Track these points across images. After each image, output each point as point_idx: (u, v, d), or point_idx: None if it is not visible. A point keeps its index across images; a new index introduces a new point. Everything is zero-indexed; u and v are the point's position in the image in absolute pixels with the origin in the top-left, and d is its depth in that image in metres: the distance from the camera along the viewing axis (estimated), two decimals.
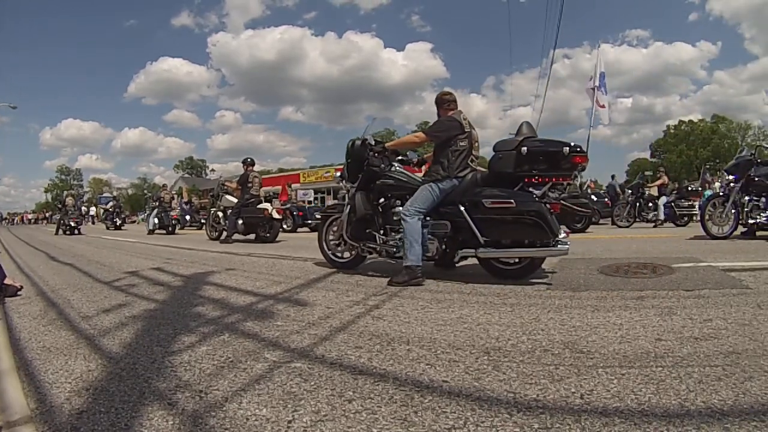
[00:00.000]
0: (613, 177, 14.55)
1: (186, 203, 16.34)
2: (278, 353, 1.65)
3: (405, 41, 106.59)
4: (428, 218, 3.17)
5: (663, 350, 1.53)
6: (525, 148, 2.83)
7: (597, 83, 12.51)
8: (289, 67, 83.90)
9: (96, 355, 1.70)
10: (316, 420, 1.12)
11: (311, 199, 14.43)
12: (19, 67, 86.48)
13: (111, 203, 17.04)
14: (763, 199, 5.24)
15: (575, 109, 73.87)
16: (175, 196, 15.67)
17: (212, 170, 65.54)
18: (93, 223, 25.95)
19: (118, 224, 15.38)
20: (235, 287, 3.10)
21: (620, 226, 9.37)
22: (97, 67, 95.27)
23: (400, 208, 3.30)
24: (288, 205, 11.58)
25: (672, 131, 48.74)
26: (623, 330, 1.78)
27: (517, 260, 3.06)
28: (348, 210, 3.57)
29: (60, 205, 15.42)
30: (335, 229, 3.86)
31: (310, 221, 11.11)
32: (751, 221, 5.25)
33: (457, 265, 3.34)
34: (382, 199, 3.55)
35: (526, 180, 2.90)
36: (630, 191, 10.03)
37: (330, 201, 21.20)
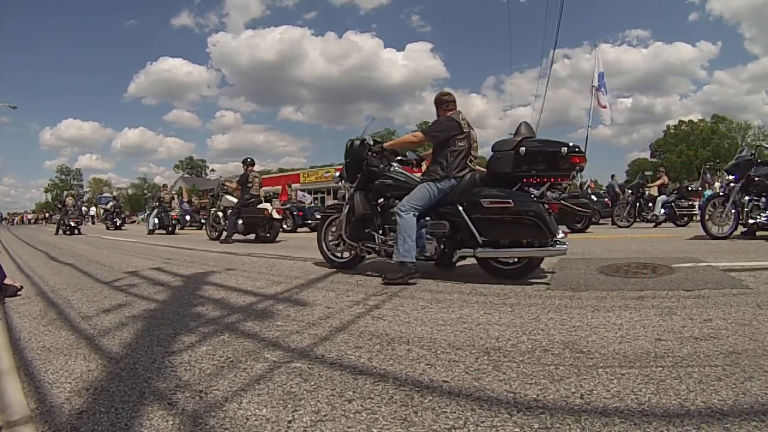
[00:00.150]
0: (613, 177, 14.59)
1: (186, 203, 16.33)
2: (278, 353, 1.65)
3: (405, 41, 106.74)
4: (427, 218, 3.17)
5: (663, 350, 1.53)
6: (523, 149, 2.83)
7: (596, 83, 12.50)
8: (289, 67, 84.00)
9: (96, 355, 1.70)
10: (316, 420, 1.12)
11: (309, 200, 14.42)
12: (19, 67, 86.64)
13: (111, 203, 17.06)
14: (763, 199, 5.24)
15: (575, 109, 73.93)
16: (175, 196, 15.68)
17: (212, 170, 65.65)
18: (93, 223, 25.95)
19: (118, 224, 15.39)
20: (235, 287, 3.10)
21: (620, 226, 9.38)
22: (97, 67, 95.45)
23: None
24: (288, 205, 11.59)
25: (672, 131, 48.74)
26: (623, 330, 1.78)
27: (515, 260, 3.06)
28: (347, 210, 3.57)
29: (60, 205, 15.43)
30: (334, 229, 3.86)
31: (310, 221, 11.12)
32: (751, 221, 5.25)
33: (456, 265, 3.34)
34: (381, 199, 3.55)
35: (524, 180, 2.90)
36: (630, 191, 10.04)
37: (330, 201, 21.21)
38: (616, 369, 1.38)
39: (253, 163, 8.19)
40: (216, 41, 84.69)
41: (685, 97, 68.82)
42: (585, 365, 1.43)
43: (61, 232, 13.53)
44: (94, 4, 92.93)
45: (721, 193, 5.88)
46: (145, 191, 50.24)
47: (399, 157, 3.74)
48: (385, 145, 3.54)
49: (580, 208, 7.43)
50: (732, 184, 5.54)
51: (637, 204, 9.55)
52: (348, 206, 3.57)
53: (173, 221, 12.01)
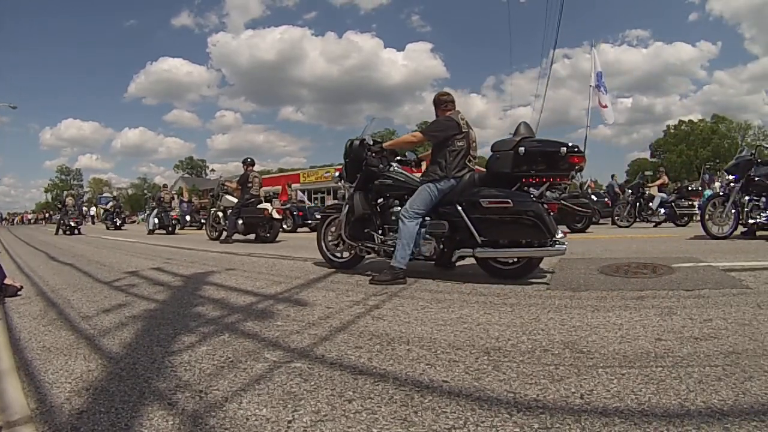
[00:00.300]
0: (613, 177, 14.60)
1: (186, 203, 16.33)
2: (278, 353, 1.65)
3: (405, 41, 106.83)
4: (426, 218, 3.17)
5: (663, 350, 1.53)
6: (523, 149, 2.83)
7: (595, 83, 12.48)
8: (289, 67, 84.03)
9: (96, 355, 1.70)
10: (316, 420, 1.12)
11: (307, 201, 14.45)
12: (19, 67, 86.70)
13: (111, 203, 17.07)
14: (763, 199, 5.24)
15: (575, 109, 73.95)
16: (175, 196, 15.67)
17: (212, 170, 65.66)
18: (93, 223, 25.95)
19: (118, 224, 15.38)
20: (235, 287, 3.10)
21: (620, 226, 9.38)
22: (97, 67, 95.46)
23: (399, 208, 3.31)
24: (288, 205, 11.59)
25: (672, 131, 48.73)
26: (623, 330, 1.78)
27: (515, 260, 3.06)
28: (346, 210, 3.57)
29: (60, 205, 15.43)
30: (334, 229, 3.86)
31: (310, 221, 11.11)
32: (751, 221, 5.25)
33: (455, 264, 3.34)
34: (380, 199, 3.55)
35: (523, 180, 2.90)
36: (630, 191, 10.04)
37: (330, 201, 21.21)
38: (616, 369, 1.38)
39: (253, 163, 8.19)
40: (216, 41, 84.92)
41: (685, 97, 68.97)
42: (585, 365, 1.43)
43: (61, 232, 13.53)
44: (94, 4, 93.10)
45: (721, 193, 5.88)
46: (145, 191, 50.25)
47: (398, 157, 3.74)
48: (384, 145, 3.55)
49: (580, 208, 7.43)
50: (732, 184, 5.54)
51: (637, 204, 9.55)
52: (347, 206, 3.57)
53: (173, 221, 12.01)
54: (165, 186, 15.94)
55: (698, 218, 6.41)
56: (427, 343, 1.71)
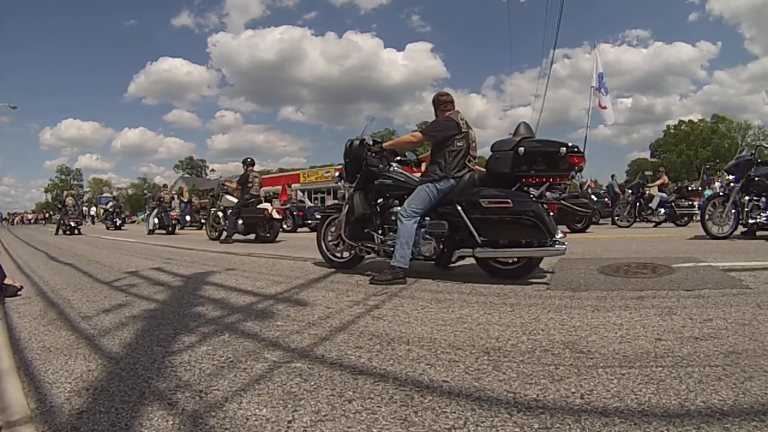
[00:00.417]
0: (613, 177, 14.61)
1: (186, 203, 16.33)
2: (278, 353, 1.65)
3: (405, 41, 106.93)
4: (426, 218, 3.17)
5: (663, 350, 1.53)
6: (522, 149, 2.83)
7: (596, 84, 12.47)
8: (289, 67, 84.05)
9: (96, 355, 1.70)
10: (316, 420, 1.12)
11: (307, 201, 14.46)
12: (19, 67, 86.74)
13: (111, 203, 17.06)
14: (763, 199, 5.24)
15: (575, 109, 74.04)
16: (175, 196, 15.67)
17: (212, 170, 65.67)
18: (93, 223, 25.95)
19: (118, 224, 15.38)
20: (235, 287, 3.10)
21: (620, 226, 9.38)
22: (97, 67, 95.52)
23: (398, 208, 3.31)
24: (288, 205, 11.59)
25: (672, 131, 48.73)
26: (623, 330, 1.78)
27: (514, 260, 3.06)
28: (346, 210, 3.57)
29: (60, 205, 15.43)
30: (334, 229, 3.86)
31: (310, 221, 11.11)
32: (751, 221, 5.25)
33: (455, 264, 3.34)
34: (380, 199, 3.55)
35: (523, 180, 2.90)
36: (630, 191, 10.04)
37: (330, 201, 21.21)
38: (616, 369, 1.38)
39: (253, 163, 8.19)
40: (216, 41, 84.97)
41: (685, 97, 68.99)
42: (585, 365, 1.43)
43: (61, 232, 13.53)
44: (94, 4, 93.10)
45: (721, 193, 5.88)
46: (145, 191, 50.24)
47: (398, 157, 3.74)
48: (384, 145, 3.55)
49: (580, 208, 7.43)
50: (732, 184, 5.54)
51: (637, 204, 9.55)
52: (347, 206, 3.57)
53: (173, 221, 12.01)
54: (165, 186, 15.94)
55: (698, 218, 6.41)
56: (427, 343, 1.71)
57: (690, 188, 10.10)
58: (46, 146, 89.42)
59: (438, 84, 74.46)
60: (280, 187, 14.99)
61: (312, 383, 1.35)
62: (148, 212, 14.50)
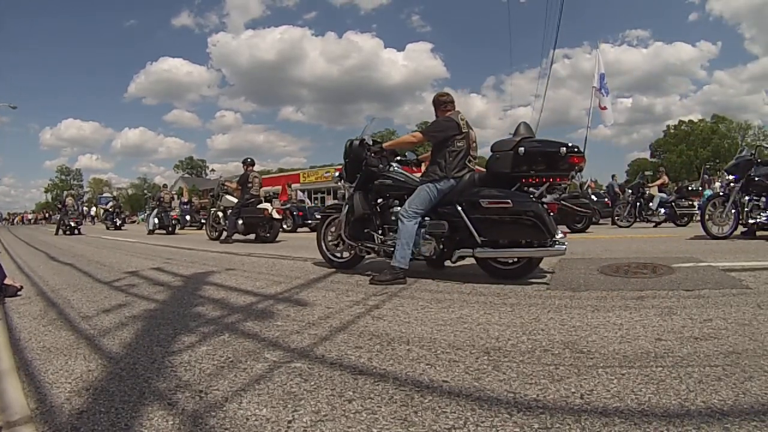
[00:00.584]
0: (613, 177, 14.62)
1: (186, 203, 16.33)
2: (278, 353, 1.65)
3: (405, 41, 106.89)
4: (426, 218, 3.17)
5: (663, 350, 1.53)
6: (522, 149, 2.83)
7: (597, 85, 12.46)
8: (289, 67, 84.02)
9: (96, 355, 1.70)
10: (316, 420, 1.12)
11: (307, 200, 14.47)
12: (19, 67, 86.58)
13: (111, 203, 17.06)
14: (763, 199, 5.23)
15: (575, 109, 74.00)
16: (175, 196, 15.67)
17: (212, 170, 65.66)
18: (93, 223, 25.95)
19: (118, 224, 15.38)
20: (235, 287, 3.10)
21: (620, 226, 9.38)
22: (97, 67, 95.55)
23: (398, 208, 3.31)
24: (288, 205, 11.59)
25: (672, 131, 48.74)
26: (623, 330, 1.78)
27: (514, 260, 3.06)
28: (346, 210, 3.57)
29: (60, 205, 15.42)
30: (334, 229, 3.86)
31: (310, 221, 11.12)
32: (751, 221, 5.25)
33: (455, 264, 3.34)
34: (380, 199, 3.55)
35: (523, 180, 2.90)
36: (630, 191, 10.04)
37: (330, 201, 21.22)
38: (616, 369, 1.38)
39: (253, 163, 8.19)
40: (216, 41, 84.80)
41: (685, 97, 68.96)
42: (585, 365, 1.43)
43: (61, 232, 13.53)
44: (94, 4, 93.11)
45: (721, 193, 5.88)
46: (145, 191, 50.21)
47: (398, 157, 3.74)
48: (384, 145, 3.55)
49: (580, 208, 7.43)
50: (732, 184, 5.54)
51: (638, 204, 9.55)
52: (347, 206, 3.57)
53: (173, 221, 12.01)
54: (165, 186, 15.95)
55: (698, 218, 6.41)
56: (427, 343, 1.71)
57: (690, 188, 10.10)
58: (46, 146, 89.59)
59: (438, 84, 74.56)
60: (280, 187, 14.99)
61: (312, 383, 1.35)
62: (148, 212, 14.50)
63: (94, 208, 29.33)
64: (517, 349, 1.61)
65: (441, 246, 3.16)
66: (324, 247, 3.92)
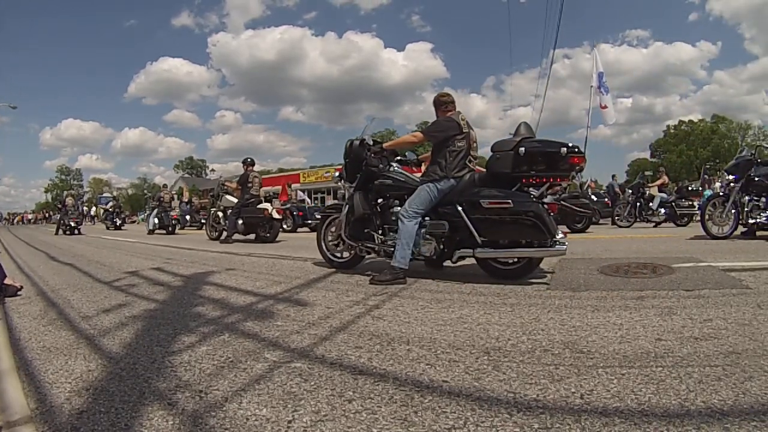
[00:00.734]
0: (613, 177, 14.62)
1: (186, 203, 16.33)
2: (278, 353, 1.65)
3: (405, 41, 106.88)
4: (426, 218, 3.17)
5: (663, 350, 1.53)
6: (523, 149, 2.83)
7: (596, 84, 12.46)
8: (289, 67, 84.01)
9: (96, 355, 1.70)
10: (316, 420, 1.12)
11: (308, 200, 14.47)
12: (19, 67, 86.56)
13: (111, 203, 17.05)
14: (763, 199, 5.24)
15: (575, 109, 74.00)
16: (175, 196, 15.67)
17: (212, 170, 65.68)
18: (93, 223, 25.95)
19: (118, 224, 15.38)
20: (235, 287, 3.10)
21: (620, 226, 9.38)
22: (97, 67, 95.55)
23: (399, 208, 3.31)
24: (288, 205, 11.59)
25: (672, 131, 48.73)
26: (623, 330, 1.78)
27: (515, 260, 3.06)
28: (346, 210, 3.57)
29: (60, 205, 15.42)
30: (334, 229, 3.86)
31: (310, 221, 11.12)
32: (751, 221, 5.25)
33: (455, 264, 3.34)
34: (380, 199, 3.55)
35: (523, 180, 2.90)
36: (630, 191, 10.04)
37: (330, 201, 21.21)
38: (616, 369, 1.38)
39: (253, 163, 8.19)
40: (216, 41, 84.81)
41: (685, 97, 68.95)
42: (585, 365, 1.43)
43: (61, 232, 13.53)
44: (94, 4, 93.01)
45: (721, 193, 5.88)
46: (145, 191, 50.25)
47: (398, 157, 3.74)
48: (384, 145, 3.55)
49: (580, 208, 7.43)
50: (732, 184, 5.54)
51: (638, 204, 9.55)
52: (347, 206, 3.57)
53: (173, 221, 12.02)
54: (165, 186, 15.95)
55: (698, 218, 6.41)
56: (427, 343, 1.71)
57: (690, 188, 10.10)
58: (46, 146, 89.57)
59: (438, 84, 74.61)
60: (280, 187, 14.99)
61: (312, 383, 1.35)
62: (148, 212, 14.51)
63: (94, 208, 29.33)
64: (517, 349, 1.61)
65: (441, 246, 3.16)
66: (324, 247, 3.92)
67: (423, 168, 3.56)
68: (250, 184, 7.83)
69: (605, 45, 66.40)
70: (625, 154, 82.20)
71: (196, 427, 1.11)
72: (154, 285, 3.33)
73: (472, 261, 3.13)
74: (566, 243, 2.92)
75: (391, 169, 3.50)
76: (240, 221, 7.67)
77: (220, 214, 8.62)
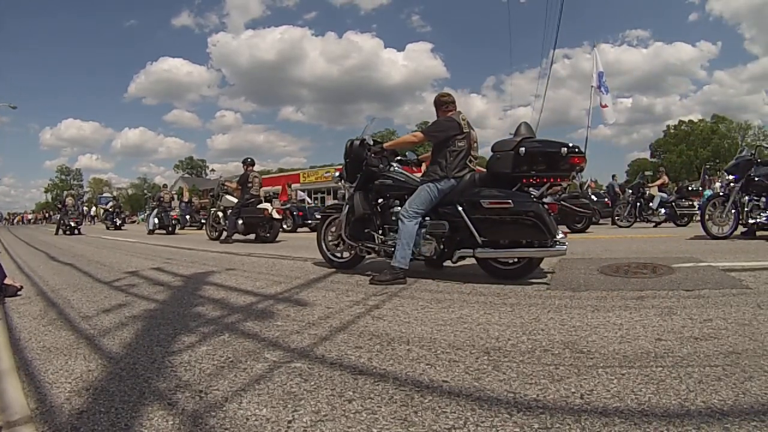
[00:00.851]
0: (613, 177, 14.60)
1: (186, 203, 16.33)
2: (278, 353, 1.65)
3: (405, 41, 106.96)
4: (427, 218, 3.17)
5: (663, 350, 1.53)
6: (523, 149, 2.83)
7: (596, 83, 12.46)
8: (289, 67, 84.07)
9: (96, 355, 1.70)
10: (316, 420, 1.12)
11: (309, 200, 14.47)
12: (19, 67, 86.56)
13: (111, 203, 17.06)
14: (763, 199, 5.24)
15: (575, 109, 74.12)
16: (175, 196, 15.67)
17: (212, 170, 65.69)
18: (93, 223, 25.95)
19: (118, 224, 15.38)
20: (235, 287, 3.10)
21: (620, 226, 9.38)
22: (97, 67, 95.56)
23: (399, 208, 3.31)
24: (288, 205, 11.59)
25: (672, 131, 48.74)
26: (623, 330, 1.78)
27: (515, 260, 3.06)
28: (347, 210, 3.57)
29: (60, 205, 15.41)
30: (334, 229, 3.86)
31: (310, 221, 11.12)
32: (751, 221, 5.25)
33: (455, 264, 3.34)
34: (380, 199, 3.55)
35: (524, 180, 2.90)
36: (630, 191, 10.04)
37: (330, 201, 21.22)
38: (616, 369, 1.38)
39: (253, 163, 8.19)
40: (216, 41, 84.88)
41: (685, 97, 68.98)
42: (585, 365, 1.43)
43: (61, 232, 13.53)
44: (94, 4, 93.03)
45: (721, 193, 5.88)
46: (145, 191, 50.27)
47: (399, 157, 3.74)
48: (384, 145, 3.55)
49: (580, 209, 7.43)
50: (732, 184, 5.54)
51: (638, 204, 9.55)
52: (348, 206, 3.57)
53: (173, 221, 12.02)
54: (165, 186, 15.95)
55: (698, 218, 6.41)
56: (427, 343, 1.71)
57: (690, 188, 10.10)
58: (46, 146, 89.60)
59: (438, 84, 74.67)
60: (280, 187, 14.98)
61: (312, 383, 1.35)
62: (148, 212, 14.51)
63: (94, 208, 29.35)
64: (517, 349, 1.61)
65: (441, 246, 3.16)
66: (324, 247, 3.92)
67: (423, 168, 3.56)
68: (250, 184, 7.83)
69: (605, 45, 66.49)
70: (625, 154, 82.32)
71: (196, 427, 1.11)
72: (154, 285, 3.33)
73: (472, 261, 3.13)
74: (566, 243, 2.92)
75: (392, 169, 3.50)
76: (240, 221, 7.67)
77: (220, 214, 8.62)
